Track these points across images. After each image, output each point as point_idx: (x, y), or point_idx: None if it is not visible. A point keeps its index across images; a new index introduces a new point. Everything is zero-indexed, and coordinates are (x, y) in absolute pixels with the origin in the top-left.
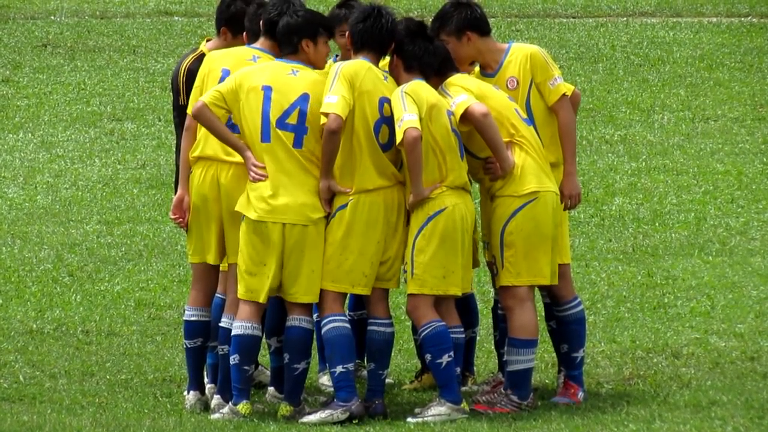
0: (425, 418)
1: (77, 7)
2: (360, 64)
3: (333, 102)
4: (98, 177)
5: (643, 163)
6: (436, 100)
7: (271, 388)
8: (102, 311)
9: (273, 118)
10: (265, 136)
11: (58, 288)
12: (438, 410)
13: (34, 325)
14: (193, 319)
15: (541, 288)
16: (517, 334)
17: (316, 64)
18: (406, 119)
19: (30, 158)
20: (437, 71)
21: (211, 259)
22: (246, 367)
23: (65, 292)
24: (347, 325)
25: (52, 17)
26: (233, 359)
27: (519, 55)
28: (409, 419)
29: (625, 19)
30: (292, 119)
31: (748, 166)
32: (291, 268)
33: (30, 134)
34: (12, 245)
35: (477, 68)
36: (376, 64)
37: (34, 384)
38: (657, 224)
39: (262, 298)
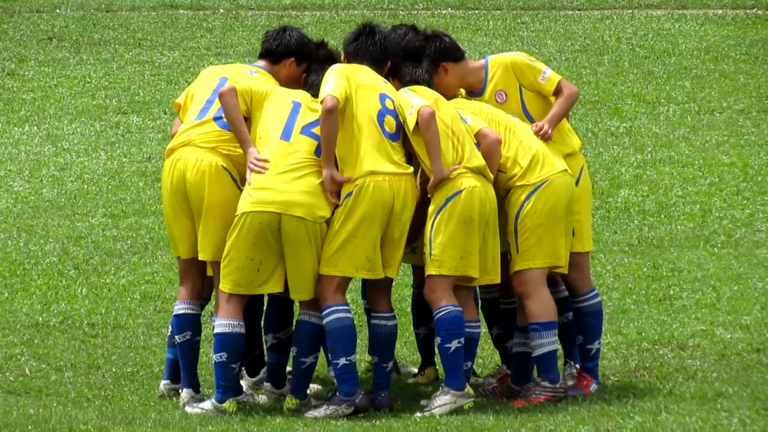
0: (432, 411)
1: (82, 1)
2: (356, 65)
3: (328, 88)
4: (104, 170)
5: (649, 156)
6: (439, 95)
7: (267, 384)
8: (108, 304)
9: (299, 124)
10: (286, 136)
11: (63, 281)
12: (442, 400)
13: (40, 318)
14: (180, 312)
15: (560, 280)
16: (537, 318)
17: (285, 85)
18: (416, 102)
19: (35, 151)
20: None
21: (184, 253)
22: (233, 365)
23: (71, 285)
24: (350, 316)
25: (58, 10)
26: (219, 357)
27: (499, 67)
28: (417, 414)
29: (630, 11)
30: (317, 130)
31: (754, 158)
32: (288, 262)
33: (35, 127)
34: (18, 238)
35: (463, 91)
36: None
37: (40, 377)
38: (662, 216)
39: (250, 291)
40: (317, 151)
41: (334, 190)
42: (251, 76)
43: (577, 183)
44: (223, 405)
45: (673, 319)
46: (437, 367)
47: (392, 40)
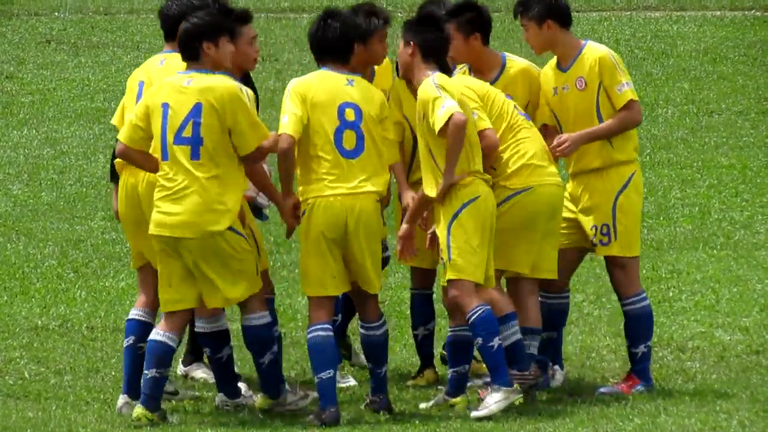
0: (490, 409)
1: (81, 4)
2: (312, 77)
3: (284, 122)
4: (102, 173)
5: (648, 157)
6: (460, 95)
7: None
8: (107, 307)
9: (170, 135)
10: (165, 155)
11: (62, 284)
12: (496, 397)
13: (39, 322)
14: (131, 317)
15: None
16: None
17: (222, 65)
18: (449, 105)
19: (34, 155)
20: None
21: (139, 264)
22: (146, 372)
23: (70, 289)
24: (323, 333)
25: (56, 13)
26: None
27: (590, 56)
28: (473, 413)
29: (628, 13)
30: (188, 132)
31: (753, 159)
32: (200, 277)
33: (34, 130)
34: (17, 242)
35: (554, 61)
36: (342, 69)
37: (39, 380)
38: (661, 218)
39: (166, 308)
40: (192, 155)
41: (292, 215)
42: (161, 67)
43: (623, 190)
44: (134, 410)
45: (672, 321)
46: (436, 369)
47: (430, 10)
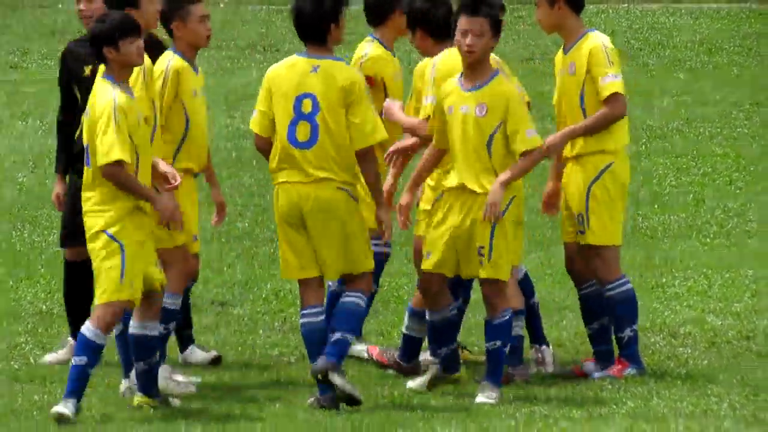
0: (488, 400)
1: None
2: (282, 65)
3: (252, 117)
4: None
5: (643, 147)
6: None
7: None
8: None
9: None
10: (87, 159)
11: None
12: (495, 395)
13: (44, 307)
14: None
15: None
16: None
17: (131, 65)
18: (536, 134)
19: (39, 143)
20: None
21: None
22: (135, 364)
23: None
24: (316, 319)
25: (60, 5)
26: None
27: (585, 44)
28: (477, 400)
29: (625, 5)
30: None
31: (746, 149)
32: None
33: (39, 120)
34: (22, 229)
35: (561, 49)
36: (318, 53)
37: (45, 365)
38: (656, 206)
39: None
40: (87, 161)
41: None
42: None
43: (596, 179)
44: (134, 399)
45: (665, 307)
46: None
47: None
